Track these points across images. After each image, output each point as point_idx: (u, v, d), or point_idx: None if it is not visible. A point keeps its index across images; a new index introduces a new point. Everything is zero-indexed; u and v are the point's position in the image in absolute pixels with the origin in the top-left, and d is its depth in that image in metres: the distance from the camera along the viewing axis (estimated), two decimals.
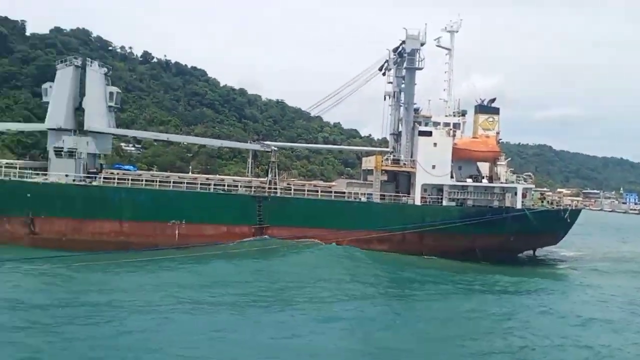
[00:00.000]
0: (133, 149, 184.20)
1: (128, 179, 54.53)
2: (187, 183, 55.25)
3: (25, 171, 54.24)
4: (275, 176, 57.58)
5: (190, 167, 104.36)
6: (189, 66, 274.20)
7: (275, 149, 60.85)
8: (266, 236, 53.44)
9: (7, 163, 56.76)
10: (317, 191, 57.46)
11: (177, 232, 52.00)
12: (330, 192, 57.87)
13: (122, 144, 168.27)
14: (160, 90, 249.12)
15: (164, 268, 41.74)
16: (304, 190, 57.22)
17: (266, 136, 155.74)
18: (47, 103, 58.24)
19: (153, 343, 24.82)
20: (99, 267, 40.29)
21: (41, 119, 67.24)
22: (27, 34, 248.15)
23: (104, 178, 54.48)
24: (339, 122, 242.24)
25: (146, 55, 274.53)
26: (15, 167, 54.48)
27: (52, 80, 58.21)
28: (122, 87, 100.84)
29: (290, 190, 56.99)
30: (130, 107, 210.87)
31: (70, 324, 26.96)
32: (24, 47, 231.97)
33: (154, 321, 27.83)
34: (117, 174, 56.48)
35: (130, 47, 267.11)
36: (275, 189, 56.23)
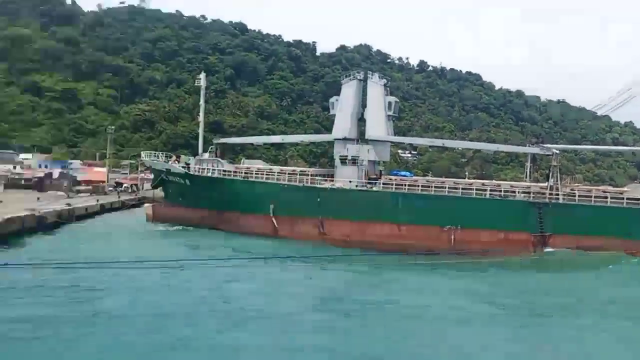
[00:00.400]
0: (409, 155, 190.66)
1: (405, 185, 56.54)
2: (463, 189, 55.08)
3: (316, 178, 60.08)
4: (557, 181, 54.03)
5: (467, 173, 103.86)
6: (464, 71, 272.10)
7: (557, 151, 57.04)
8: (549, 249, 50.31)
9: (301, 171, 63.75)
10: (606, 197, 52.19)
11: (452, 237, 52.12)
12: (622, 198, 52.04)
13: (399, 151, 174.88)
14: (435, 97, 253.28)
15: (441, 273, 42.12)
16: (590, 197, 52.50)
17: (546, 139, 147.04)
18: (334, 115, 63.70)
19: (428, 348, 25.03)
20: (380, 268, 42.44)
21: (329, 130, 73.77)
22: (317, 53, 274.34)
23: (383, 184, 57.39)
24: (630, 121, 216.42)
25: (422, 64, 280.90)
26: (308, 174, 60.77)
27: (338, 95, 63.63)
28: (400, 96, 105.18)
29: (575, 196, 52.85)
30: (406, 115, 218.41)
31: (355, 318, 28.69)
32: (314, 66, 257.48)
33: (430, 325, 28.09)
34: (395, 179, 58.97)
35: (407, 58, 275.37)
36: (557, 194, 52.74)
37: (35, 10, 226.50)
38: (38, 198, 75.99)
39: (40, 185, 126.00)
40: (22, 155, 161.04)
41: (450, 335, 26.71)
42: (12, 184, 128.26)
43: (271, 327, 25.45)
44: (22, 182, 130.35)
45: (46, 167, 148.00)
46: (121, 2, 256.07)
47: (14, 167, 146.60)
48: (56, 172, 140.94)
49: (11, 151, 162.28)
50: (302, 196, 57.61)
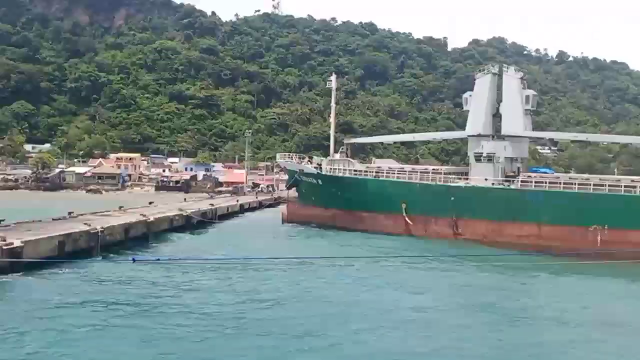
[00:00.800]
0: (549, 151, 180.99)
1: (545, 182, 53.64)
2: (609, 185, 51.19)
3: (449, 176, 58.75)
4: None
5: (615, 170, 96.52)
6: (608, 60, 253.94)
7: None
8: None
9: (433, 169, 62.72)
10: None
11: (599, 237, 48.62)
12: None
13: (538, 147, 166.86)
14: (576, 90, 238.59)
15: (585, 276, 39.39)
16: None
17: None
18: (467, 112, 61.97)
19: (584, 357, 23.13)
20: (524, 269, 40.47)
21: (461, 127, 71.99)
22: (449, 49, 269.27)
23: (522, 181, 54.82)
24: None
25: (561, 55, 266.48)
26: (440, 173, 59.61)
27: (471, 90, 61.84)
28: (537, 89, 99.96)
29: None
30: (545, 109, 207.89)
31: (504, 321, 27.04)
32: (446, 62, 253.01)
33: (585, 331, 26.04)
34: (535, 177, 56.12)
35: (545, 49, 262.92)
36: None
37: (180, 24, 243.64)
38: (185, 199, 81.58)
39: (186, 186, 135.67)
40: (170, 160, 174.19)
41: (610, 343, 24.46)
42: (162, 186, 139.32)
43: (419, 331, 24.51)
44: (171, 184, 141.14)
45: (191, 170, 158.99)
46: (256, 11, 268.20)
47: (164, 171, 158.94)
48: (200, 175, 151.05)
49: (161, 156, 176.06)
50: (435, 195, 56.55)
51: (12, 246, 28.43)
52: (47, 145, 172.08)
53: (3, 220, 36.62)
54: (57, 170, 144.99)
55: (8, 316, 22.36)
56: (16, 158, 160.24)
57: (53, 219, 41.89)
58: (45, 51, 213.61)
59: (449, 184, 57.12)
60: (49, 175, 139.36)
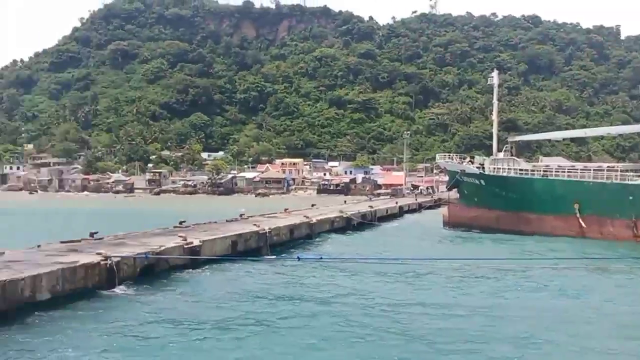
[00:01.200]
0: None
1: None
2: None
3: (627, 174, 53.82)
4: None
5: None
6: None
7: None
8: None
9: (608, 166, 57.80)
10: None
11: None
12: None
13: None
14: None
15: None
16: None
17: None
18: None
19: None
20: None
21: (639, 120, 65.54)
22: (622, 37, 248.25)
23: None
24: None
25: None
26: (617, 170, 54.80)
27: None
28: None
29: None
30: None
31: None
32: (619, 51, 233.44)
33: None
34: None
35: None
36: None
37: (338, 31, 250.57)
38: (345, 201, 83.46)
39: (346, 189, 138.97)
40: (330, 163, 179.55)
41: None
42: (324, 189, 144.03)
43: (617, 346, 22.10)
44: (331, 187, 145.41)
45: (351, 173, 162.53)
46: (413, 12, 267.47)
47: (324, 174, 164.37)
48: (359, 177, 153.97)
49: (322, 160, 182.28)
50: (611, 194, 52.11)
51: (192, 245, 31.04)
52: (221, 153, 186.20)
53: (184, 222, 40.14)
54: (230, 175, 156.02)
55: (185, 309, 24.36)
56: (194, 165, 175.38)
57: (226, 221, 45.04)
58: (218, 65, 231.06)
59: (626, 182, 52.41)
60: (222, 181, 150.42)
